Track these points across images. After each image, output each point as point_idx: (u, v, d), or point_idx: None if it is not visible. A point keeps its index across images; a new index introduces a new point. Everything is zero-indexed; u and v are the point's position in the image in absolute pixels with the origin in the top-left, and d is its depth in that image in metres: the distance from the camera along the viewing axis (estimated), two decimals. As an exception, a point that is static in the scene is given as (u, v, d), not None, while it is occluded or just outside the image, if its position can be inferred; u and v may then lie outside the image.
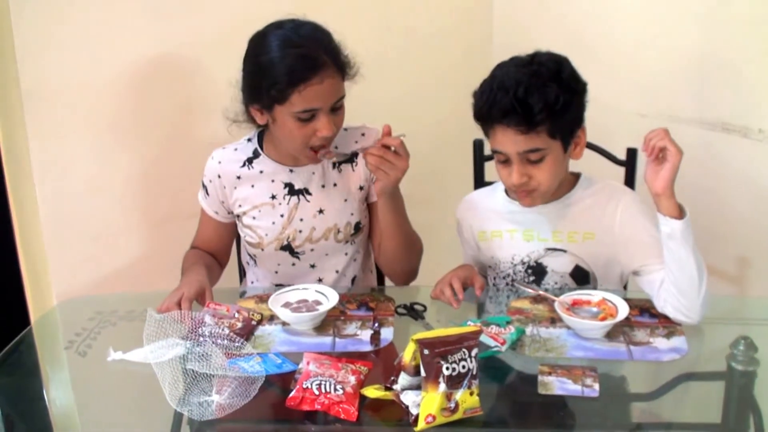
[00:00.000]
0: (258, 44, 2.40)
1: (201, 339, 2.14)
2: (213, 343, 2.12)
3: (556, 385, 1.93)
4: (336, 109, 2.41)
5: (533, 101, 2.19)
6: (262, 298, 2.44)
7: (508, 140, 2.27)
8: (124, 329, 2.36)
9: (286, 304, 2.32)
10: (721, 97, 2.91)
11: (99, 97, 3.03)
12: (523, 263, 2.50)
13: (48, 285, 3.15)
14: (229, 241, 2.79)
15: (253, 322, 2.28)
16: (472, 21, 3.89)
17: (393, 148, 2.33)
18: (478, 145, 2.92)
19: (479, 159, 2.95)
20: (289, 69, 2.30)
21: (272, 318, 2.32)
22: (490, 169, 2.86)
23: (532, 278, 2.50)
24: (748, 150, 2.82)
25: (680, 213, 2.14)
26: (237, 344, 2.14)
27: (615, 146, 2.83)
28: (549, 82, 2.22)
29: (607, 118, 3.00)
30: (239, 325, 2.24)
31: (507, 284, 2.54)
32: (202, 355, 2.05)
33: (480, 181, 2.96)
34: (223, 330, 2.19)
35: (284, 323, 2.29)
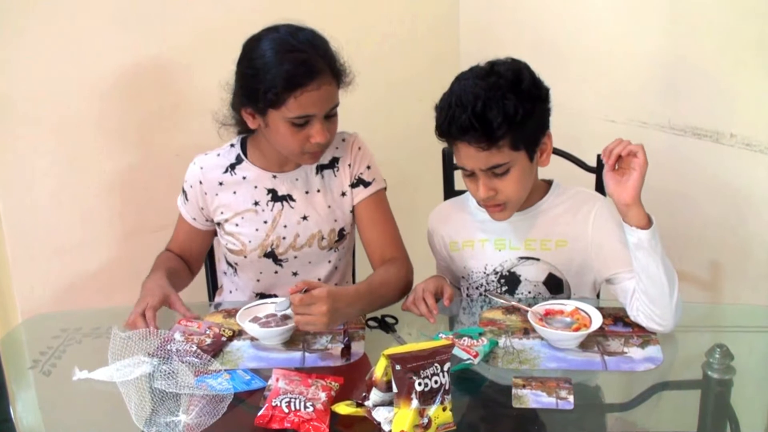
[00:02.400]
0: (254, 48, 2.35)
1: (167, 356, 2.10)
2: (179, 360, 2.08)
3: (531, 398, 1.91)
4: (330, 116, 2.38)
5: (492, 116, 2.16)
6: (230, 313, 2.40)
7: (471, 157, 2.25)
8: (89, 347, 2.31)
9: (255, 319, 2.28)
10: (691, 102, 2.91)
11: (63, 107, 2.99)
12: (496, 273, 2.47)
13: (12, 301, 3.09)
14: (203, 249, 2.75)
15: (224, 338, 2.24)
16: (438, 29, 3.88)
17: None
18: (447, 154, 2.90)
19: (449, 168, 2.92)
20: (287, 74, 2.26)
21: (240, 333, 2.28)
22: (460, 177, 2.84)
23: (505, 288, 2.47)
24: (720, 155, 2.82)
25: (648, 222, 2.12)
26: (204, 361, 2.10)
27: (585, 153, 2.81)
28: (508, 94, 2.18)
29: (577, 125, 3.00)
30: (208, 341, 2.20)
31: (480, 294, 2.51)
32: (169, 373, 2.01)
33: (450, 190, 2.93)
34: (190, 347, 2.15)
35: (253, 338, 2.25)
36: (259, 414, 1.84)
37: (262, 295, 2.65)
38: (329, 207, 2.58)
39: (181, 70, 3.17)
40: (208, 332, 2.24)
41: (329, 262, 2.66)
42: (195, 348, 2.15)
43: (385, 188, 2.63)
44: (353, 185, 2.59)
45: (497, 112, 2.16)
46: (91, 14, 2.96)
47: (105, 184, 3.16)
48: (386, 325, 2.32)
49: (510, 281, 2.47)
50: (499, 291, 2.48)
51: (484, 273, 2.49)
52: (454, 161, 2.34)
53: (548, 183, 2.48)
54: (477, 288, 2.52)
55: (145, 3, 3.06)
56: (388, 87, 3.61)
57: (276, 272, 2.62)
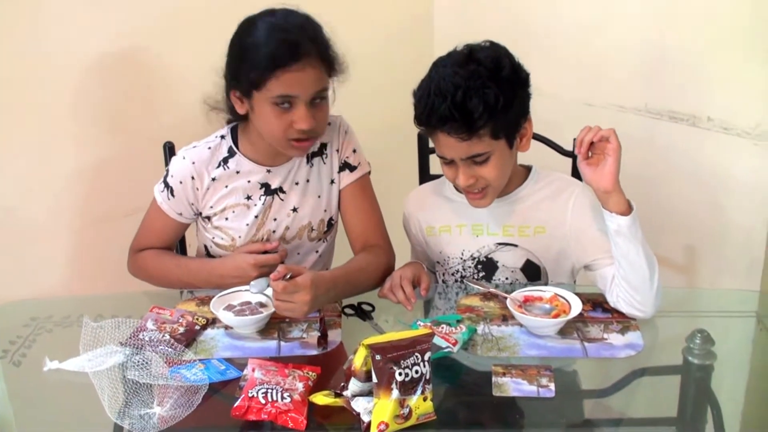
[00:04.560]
0: (245, 28, 2.31)
1: (140, 346, 2.07)
2: (152, 350, 2.04)
3: (511, 386, 1.89)
4: (317, 103, 2.33)
5: (472, 106, 2.11)
6: (204, 300, 2.36)
7: (450, 147, 2.21)
8: (60, 336, 2.27)
9: (229, 307, 2.24)
10: (668, 86, 2.91)
11: (32, 92, 2.92)
12: (473, 258, 2.45)
13: (-20, 289, 3.04)
14: (177, 241, 2.70)
15: (197, 327, 2.20)
16: (412, 13, 3.85)
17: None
18: (422, 138, 2.87)
19: (424, 152, 2.89)
20: (271, 53, 2.22)
21: (214, 321, 2.24)
22: (435, 161, 2.81)
23: (482, 274, 2.45)
24: (697, 138, 2.81)
25: (628, 208, 2.11)
26: (177, 351, 2.06)
27: (561, 137, 2.79)
28: (488, 82, 2.13)
29: (553, 109, 2.98)
30: (181, 330, 2.16)
31: (456, 281, 2.49)
32: (142, 363, 1.97)
33: (425, 175, 2.91)
34: (163, 336, 2.11)
35: (227, 327, 2.22)
36: (235, 405, 1.81)
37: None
38: (319, 197, 2.55)
39: (153, 53, 3.11)
40: (181, 320, 2.21)
41: (317, 252, 2.63)
42: (168, 337, 2.11)
43: (369, 172, 2.60)
44: (340, 169, 2.55)
45: (477, 101, 2.11)
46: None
47: (76, 169, 3.10)
48: (363, 313, 2.29)
49: (487, 267, 2.45)
50: (475, 277, 2.46)
51: (461, 258, 2.47)
52: (436, 152, 2.30)
53: (527, 169, 2.46)
54: (453, 274, 2.50)
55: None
56: (361, 71, 3.57)
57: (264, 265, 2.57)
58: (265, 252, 2.44)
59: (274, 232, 2.52)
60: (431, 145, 2.79)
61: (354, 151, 2.56)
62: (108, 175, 3.14)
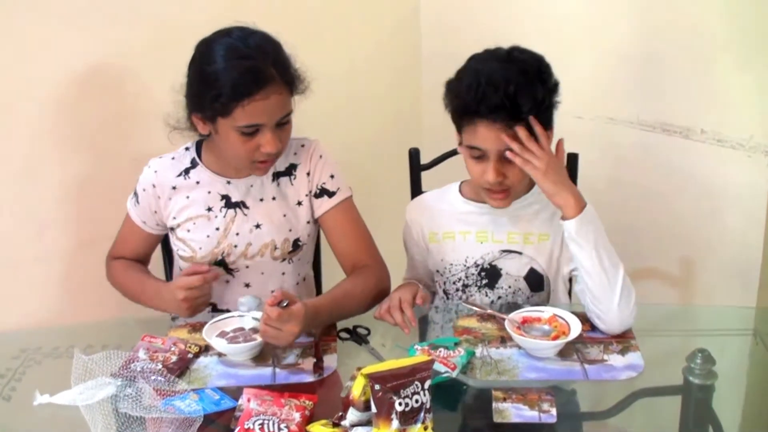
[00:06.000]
0: (204, 52, 2.29)
1: (132, 377, 2.02)
2: (144, 380, 2.00)
3: (512, 412, 1.86)
4: (282, 124, 2.31)
5: (522, 100, 2.16)
6: (195, 327, 2.32)
7: (492, 137, 2.21)
8: (49, 367, 2.23)
9: (222, 334, 2.21)
10: (660, 98, 2.90)
11: (17, 113, 2.90)
12: (477, 265, 2.45)
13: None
14: (150, 252, 2.68)
15: (190, 355, 2.16)
16: (400, 31, 3.83)
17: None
18: (414, 155, 2.84)
19: (416, 169, 2.86)
20: (234, 82, 2.19)
21: (207, 349, 2.21)
22: (426, 179, 2.79)
23: (485, 281, 2.45)
24: (691, 150, 2.81)
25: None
26: (169, 381, 2.02)
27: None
28: (535, 81, 2.20)
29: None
30: (174, 358, 2.12)
31: (458, 289, 2.48)
32: (134, 395, 1.93)
33: (417, 192, 2.87)
34: (156, 366, 2.07)
35: (220, 354, 2.18)
36: (231, 438, 1.78)
37: (213, 307, 2.55)
38: (284, 216, 2.51)
39: (135, 75, 3.09)
40: (173, 349, 2.17)
41: (283, 273, 2.58)
42: (160, 367, 2.07)
43: (351, 196, 2.56)
44: (317, 195, 2.51)
45: (528, 97, 2.17)
46: (42, 18, 2.87)
47: (60, 193, 3.07)
48: (359, 337, 2.26)
49: (490, 275, 2.44)
50: (478, 285, 2.45)
51: (465, 266, 2.46)
52: (465, 146, 2.28)
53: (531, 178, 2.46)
54: (455, 282, 2.49)
55: (97, 6, 2.98)
56: (351, 90, 3.56)
57: (227, 282, 2.54)
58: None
59: (235, 246, 2.50)
60: (423, 161, 2.79)
61: (332, 176, 2.52)
62: (95, 197, 3.12)
